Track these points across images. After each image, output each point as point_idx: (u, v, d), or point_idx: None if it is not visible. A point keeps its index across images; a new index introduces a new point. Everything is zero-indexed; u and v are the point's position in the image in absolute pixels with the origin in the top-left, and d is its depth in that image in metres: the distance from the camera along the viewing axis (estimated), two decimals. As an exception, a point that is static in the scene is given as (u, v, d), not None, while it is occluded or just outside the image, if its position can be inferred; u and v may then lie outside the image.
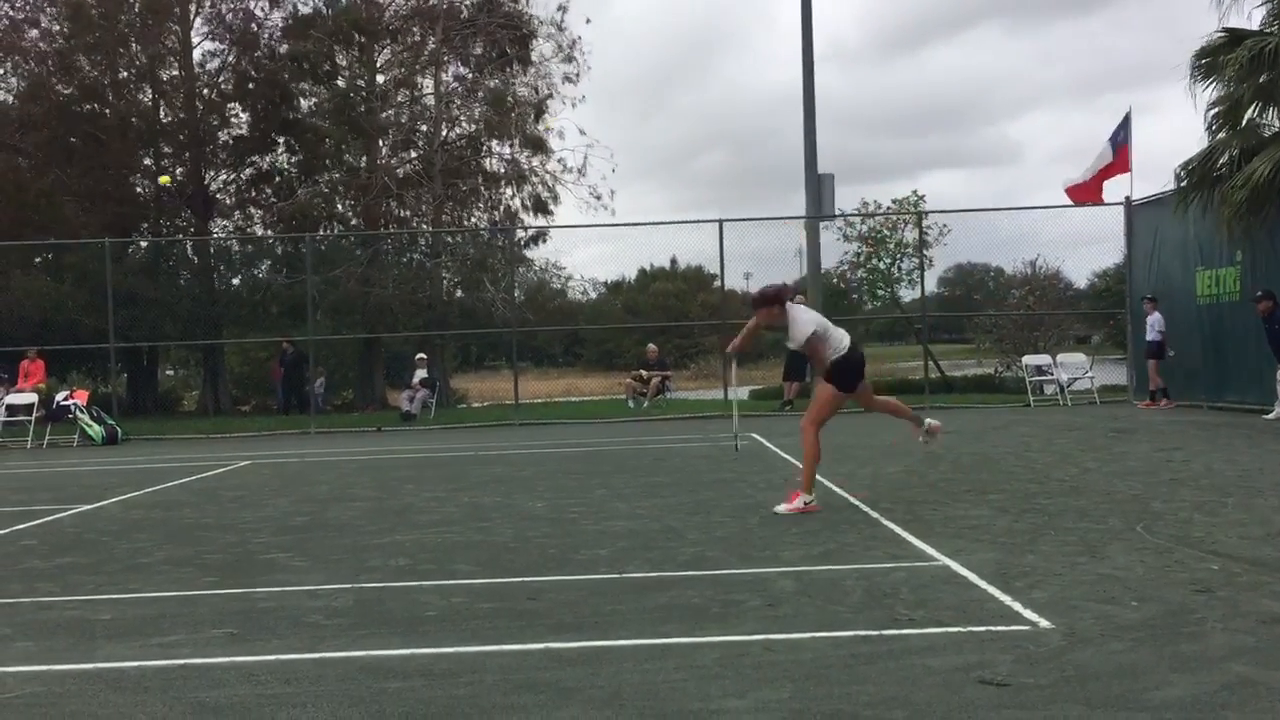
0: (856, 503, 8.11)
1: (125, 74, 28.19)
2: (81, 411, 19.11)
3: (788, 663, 4.13)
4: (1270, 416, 14.58)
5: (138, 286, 24.70)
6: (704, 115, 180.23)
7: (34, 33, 27.87)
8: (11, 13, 28.05)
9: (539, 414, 22.42)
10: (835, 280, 27.12)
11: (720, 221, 20.57)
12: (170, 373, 36.59)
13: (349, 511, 8.77)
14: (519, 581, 5.81)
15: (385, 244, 27.33)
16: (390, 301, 25.78)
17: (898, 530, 6.90)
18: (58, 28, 27.65)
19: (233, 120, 28.40)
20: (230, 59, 28.08)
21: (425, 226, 28.31)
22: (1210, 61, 16.30)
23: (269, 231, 28.80)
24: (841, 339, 7.71)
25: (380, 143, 28.20)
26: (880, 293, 27.29)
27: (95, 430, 18.88)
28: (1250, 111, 16.26)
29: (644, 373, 22.17)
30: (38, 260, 27.44)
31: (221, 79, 28.30)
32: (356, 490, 10.29)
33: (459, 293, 28.62)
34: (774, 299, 7.76)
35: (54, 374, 24.00)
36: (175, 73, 28.38)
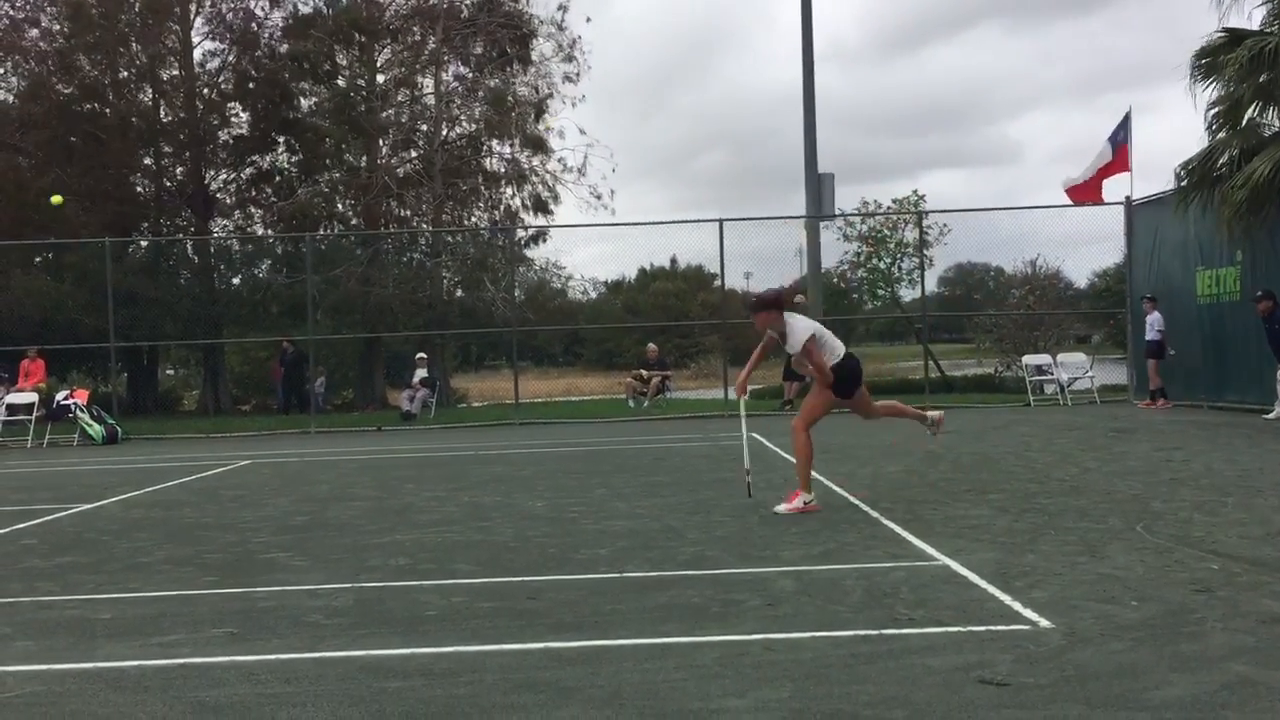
0: (856, 502, 8.11)
1: (125, 73, 28.19)
2: (82, 411, 19.12)
3: (788, 662, 4.13)
4: (1270, 416, 14.58)
5: (138, 286, 24.70)
6: (704, 115, 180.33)
7: (34, 32, 27.88)
8: (12, 12, 28.06)
9: (539, 413, 22.42)
10: (835, 280, 27.13)
11: (720, 221, 20.59)
12: (170, 372, 36.57)
13: (349, 511, 8.77)
14: (519, 581, 5.81)
15: (385, 243, 27.33)
16: (390, 301, 25.78)
17: (898, 530, 6.90)
18: (58, 27, 27.66)
19: (233, 120, 28.40)
20: (230, 58, 28.08)
21: (425, 226, 28.30)
22: (1210, 61, 16.30)
23: (269, 231, 28.79)
24: (838, 346, 7.79)
25: (380, 142, 28.20)
26: (880, 292, 27.31)
27: (95, 430, 18.88)
28: (1250, 111, 16.26)
29: (644, 372, 22.17)
30: (38, 260, 27.45)
31: (222, 78, 28.30)
32: (357, 490, 10.29)
33: (459, 292, 28.61)
34: (772, 303, 7.81)
35: (54, 373, 24.02)
36: (175, 72, 28.37)
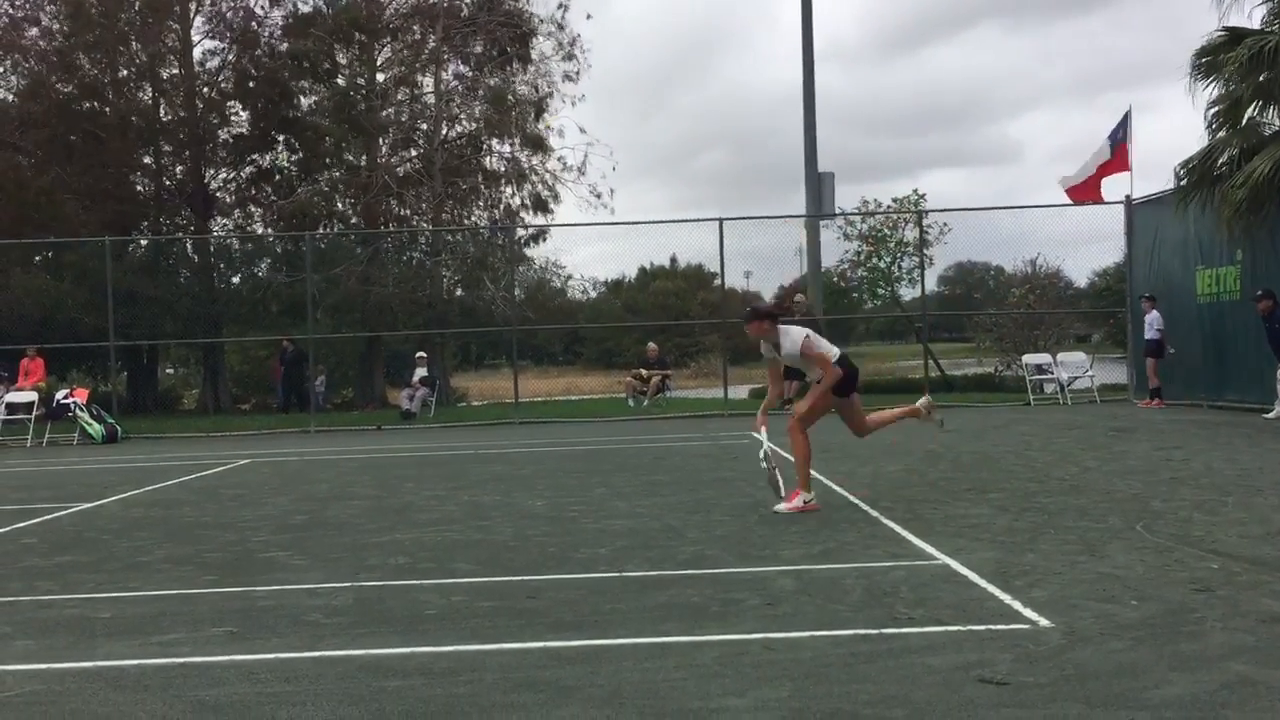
0: (856, 501, 8.11)
1: (125, 72, 28.16)
2: (81, 410, 19.11)
3: (787, 661, 4.13)
4: (1270, 416, 14.58)
5: (138, 285, 24.68)
6: (704, 114, 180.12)
7: (34, 31, 27.85)
8: (12, 11, 28.05)
9: (539, 412, 22.43)
10: (835, 279, 27.10)
11: (720, 220, 20.58)
12: (170, 371, 36.55)
13: (349, 510, 8.77)
14: (519, 580, 5.81)
15: (385, 242, 27.32)
16: (390, 300, 25.78)
17: (897, 529, 6.90)
18: (58, 26, 27.64)
19: (233, 118, 28.38)
20: (230, 57, 28.05)
21: (425, 225, 28.28)
22: (1210, 60, 16.30)
23: (269, 230, 28.76)
24: (833, 349, 7.84)
25: (380, 141, 28.18)
26: (880, 291, 27.27)
27: (95, 429, 18.88)
28: (1250, 110, 16.27)
29: (644, 371, 22.18)
30: (38, 258, 27.41)
31: (221, 77, 28.28)
32: (356, 489, 10.29)
33: (459, 291, 28.60)
34: (766, 315, 7.85)
35: (54, 372, 24.01)
36: (175, 71, 28.35)
